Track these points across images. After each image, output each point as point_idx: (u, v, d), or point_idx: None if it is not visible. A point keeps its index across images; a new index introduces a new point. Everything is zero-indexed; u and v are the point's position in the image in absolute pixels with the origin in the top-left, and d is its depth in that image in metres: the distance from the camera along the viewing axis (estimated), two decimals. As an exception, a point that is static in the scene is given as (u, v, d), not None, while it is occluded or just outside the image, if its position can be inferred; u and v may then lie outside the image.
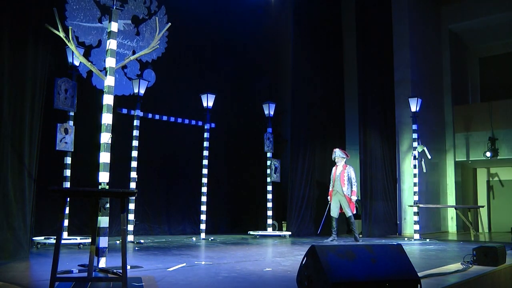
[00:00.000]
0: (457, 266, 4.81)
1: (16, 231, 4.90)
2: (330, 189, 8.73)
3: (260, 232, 9.53)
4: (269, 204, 9.68)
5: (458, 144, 12.81)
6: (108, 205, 4.22)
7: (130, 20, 9.45)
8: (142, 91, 7.91)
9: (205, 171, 8.73)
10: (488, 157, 11.92)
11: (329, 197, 8.76)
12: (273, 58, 12.41)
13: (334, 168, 8.75)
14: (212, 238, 8.71)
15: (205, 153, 8.74)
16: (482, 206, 11.70)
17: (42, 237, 6.57)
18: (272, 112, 9.98)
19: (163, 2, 9.95)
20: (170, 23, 5.19)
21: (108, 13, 4.52)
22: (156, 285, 3.50)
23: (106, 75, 4.45)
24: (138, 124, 7.84)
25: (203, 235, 8.65)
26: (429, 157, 9.62)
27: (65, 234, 6.84)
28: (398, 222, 10.70)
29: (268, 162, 9.81)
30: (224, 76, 10.88)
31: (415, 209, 9.27)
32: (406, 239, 9.28)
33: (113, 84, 4.44)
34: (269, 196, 9.69)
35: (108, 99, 4.40)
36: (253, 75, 11.59)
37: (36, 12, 5.26)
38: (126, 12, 9.26)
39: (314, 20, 10.73)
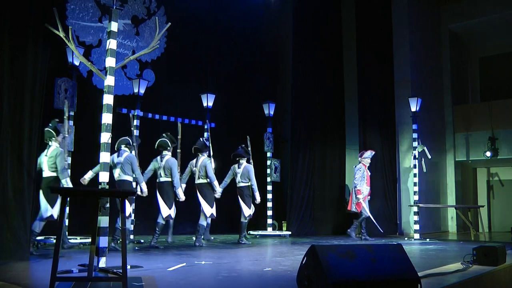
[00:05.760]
0: (457, 266, 4.80)
1: (16, 231, 4.90)
2: (368, 189, 8.86)
3: (260, 232, 9.53)
4: (269, 204, 9.69)
5: (458, 144, 12.80)
6: (108, 205, 4.22)
7: (130, 20, 9.45)
8: (142, 91, 7.93)
9: (205, 171, 8.71)
10: (488, 157, 11.91)
11: (362, 197, 8.73)
12: (273, 58, 12.42)
13: (365, 168, 8.76)
14: (212, 238, 8.71)
15: (205, 153, 8.72)
16: (482, 206, 11.69)
17: (42, 237, 6.56)
18: (272, 112, 9.99)
19: (163, 2, 9.95)
20: (169, 23, 5.18)
21: (108, 13, 4.51)
22: (156, 285, 3.50)
23: (106, 75, 4.45)
24: (138, 124, 7.84)
25: (203, 235, 8.64)
26: (429, 157, 9.61)
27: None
28: (398, 222, 10.70)
29: (268, 162, 9.82)
30: (224, 76, 10.87)
31: (415, 209, 9.27)
32: (406, 239, 9.28)
33: (113, 84, 4.44)
34: (269, 196, 9.69)
35: (108, 99, 4.40)
36: (253, 75, 11.58)
37: (36, 12, 5.25)
38: (126, 12, 9.26)
39: (314, 20, 10.73)
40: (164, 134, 6.95)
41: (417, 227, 9.20)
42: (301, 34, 10.58)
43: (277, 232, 9.77)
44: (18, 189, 4.99)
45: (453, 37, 13.38)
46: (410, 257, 3.30)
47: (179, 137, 7.59)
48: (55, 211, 5.78)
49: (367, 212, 8.66)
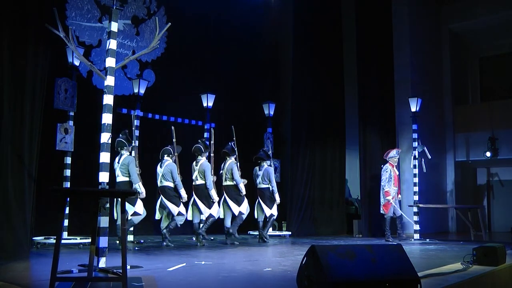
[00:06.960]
0: (457, 266, 4.80)
1: (16, 231, 4.90)
2: (396, 190, 8.78)
3: (260, 232, 9.51)
4: (269, 204, 9.66)
5: (458, 144, 12.80)
6: (108, 205, 4.22)
7: (130, 20, 9.45)
8: (142, 91, 7.92)
9: (205, 170, 8.71)
10: (488, 157, 11.91)
11: (391, 198, 8.66)
12: (273, 58, 12.40)
13: (391, 168, 8.77)
14: (212, 238, 8.71)
15: (205, 153, 8.73)
16: (482, 206, 11.69)
17: (42, 237, 6.56)
18: (272, 112, 9.98)
19: (163, 2, 9.95)
20: (170, 23, 5.18)
21: (108, 13, 4.51)
22: (156, 285, 3.50)
23: (106, 75, 4.45)
24: (138, 124, 7.84)
25: (203, 235, 8.63)
26: (429, 157, 9.60)
27: (65, 234, 6.84)
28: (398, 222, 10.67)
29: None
30: (224, 76, 10.86)
31: (415, 209, 9.26)
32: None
33: (113, 84, 4.44)
34: (269, 196, 9.67)
35: (108, 99, 4.40)
36: (253, 75, 11.57)
37: (36, 12, 5.25)
38: (126, 12, 9.26)
39: (314, 20, 10.73)
40: (199, 140, 7.62)
41: (417, 227, 9.20)
42: (301, 34, 10.58)
43: (277, 232, 9.76)
44: (19, 189, 4.99)
45: (453, 37, 13.38)
46: (410, 257, 3.30)
47: (212, 142, 8.19)
48: (138, 209, 6.53)
49: (398, 211, 8.76)
